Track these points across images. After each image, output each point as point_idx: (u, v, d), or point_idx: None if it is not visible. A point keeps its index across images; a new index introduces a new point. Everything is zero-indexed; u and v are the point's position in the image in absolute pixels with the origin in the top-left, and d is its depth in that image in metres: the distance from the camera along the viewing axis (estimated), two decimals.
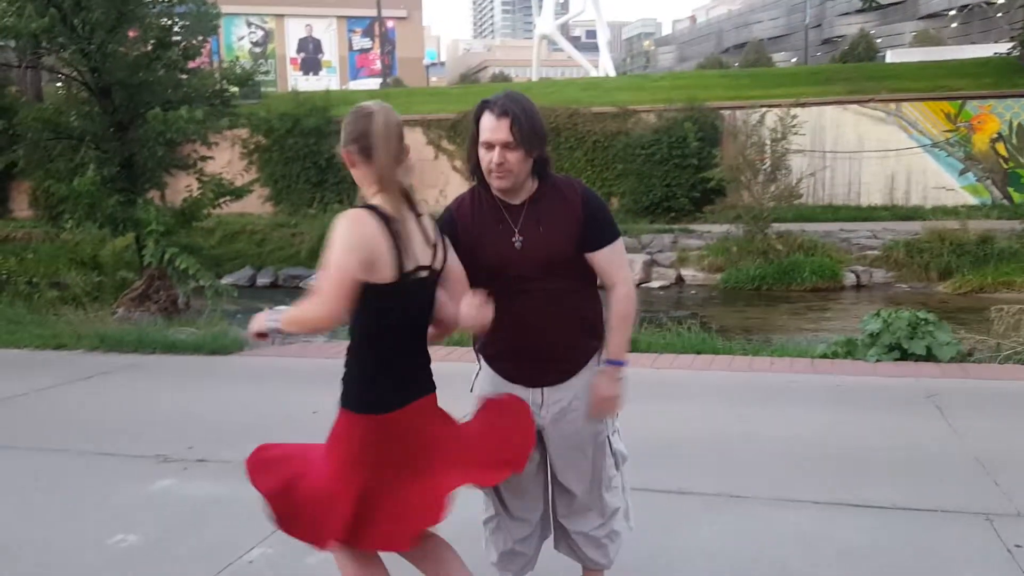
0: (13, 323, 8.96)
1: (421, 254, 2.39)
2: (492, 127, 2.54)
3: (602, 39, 46.32)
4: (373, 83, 44.55)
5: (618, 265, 2.72)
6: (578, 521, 2.87)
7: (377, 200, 2.36)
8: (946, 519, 3.74)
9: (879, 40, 53.21)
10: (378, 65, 53.41)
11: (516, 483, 2.76)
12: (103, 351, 7.77)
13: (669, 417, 5.09)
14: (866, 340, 6.83)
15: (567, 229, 2.62)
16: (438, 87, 46.50)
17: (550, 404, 2.70)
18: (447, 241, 2.53)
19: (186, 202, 11.67)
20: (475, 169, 2.65)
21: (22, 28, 9.86)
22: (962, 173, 19.79)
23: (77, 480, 4.51)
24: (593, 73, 43.93)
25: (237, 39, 57.76)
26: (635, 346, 6.69)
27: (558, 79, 40.21)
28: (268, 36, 60.44)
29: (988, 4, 52.22)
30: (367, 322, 2.36)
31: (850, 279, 15.38)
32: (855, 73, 24.80)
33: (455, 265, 2.55)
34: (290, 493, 2.44)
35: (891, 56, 39.75)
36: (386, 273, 2.29)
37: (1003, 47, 25.97)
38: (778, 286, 15.03)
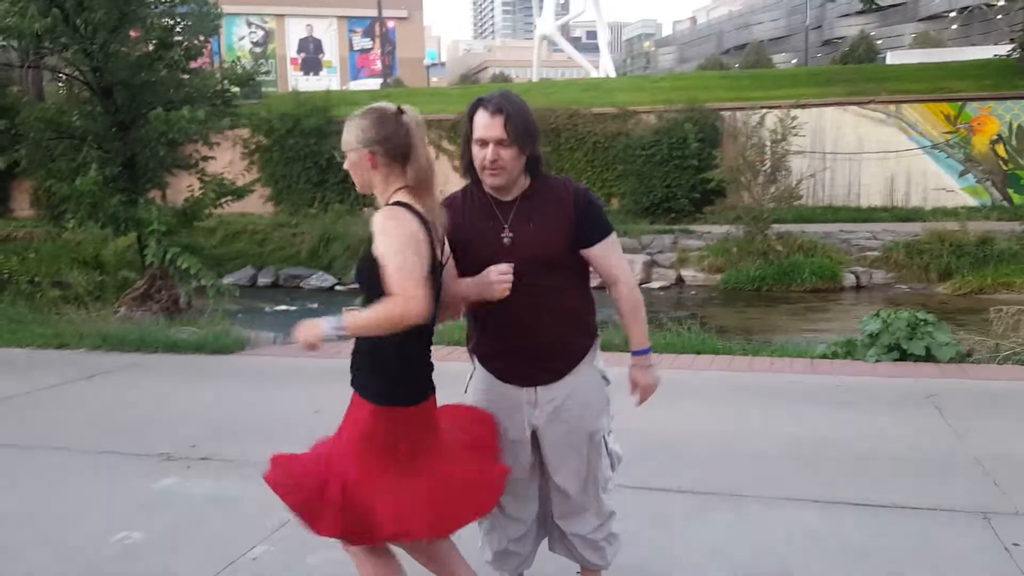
0: (15, 322, 8.98)
1: (439, 248, 2.47)
2: (486, 124, 2.57)
3: (602, 40, 46.33)
4: (374, 83, 44.54)
5: (615, 259, 2.74)
6: (575, 523, 2.86)
7: (404, 198, 2.40)
8: (945, 518, 3.77)
9: (879, 42, 53.23)
10: (379, 65, 53.40)
11: (510, 482, 2.76)
12: (105, 350, 7.80)
13: (669, 416, 5.10)
14: (865, 340, 6.86)
15: (558, 225, 2.63)
16: (438, 87, 46.52)
17: (544, 403, 2.70)
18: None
19: (188, 202, 11.70)
20: (468, 167, 2.68)
21: (25, 28, 9.88)
22: (962, 175, 19.82)
23: (80, 478, 4.54)
24: (593, 74, 43.96)
25: (237, 39, 57.76)
26: None
27: (558, 80, 40.21)
28: (268, 36, 60.44)
29: (988, 6, 52.24)
30: None
31: (850, 280, 15.40)
32: (855, 74, 24.83)
33: (450, 261, 2.63)
34: (324, 498, 2.42)
35: (891, 58, 39.78)
36: (424, 267, 2.34)
37: (1003, 49, 25.95)
38: (778, 287, 15.05)
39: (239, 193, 12.05)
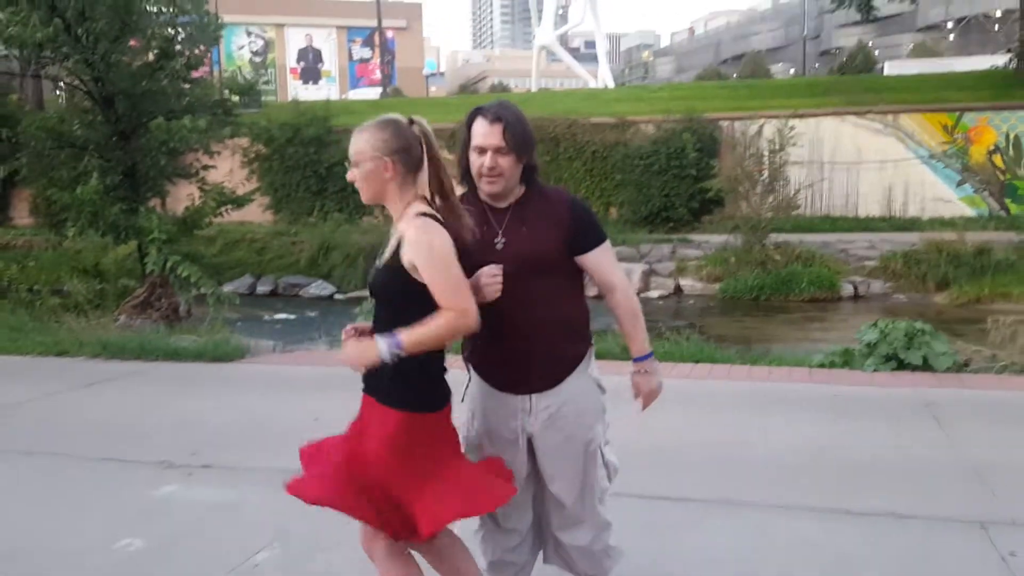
0: (15, 330, 9.00)
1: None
2: (485, 132, 2.62)
3: (601, 50, 46.48)
4: (373, 93, 44.66)
5: (610, 266, 2.77)
6: (572, 534, 2.85)
7: (424, 208, 2.46)
8: (942, 527, 3.79)
9: (877, 52, 53.42)
10: (378, 75, 53.55)
11: None
12: (105, 358, 7.81)
13: (668, 424, 5.13)
14: (863, 350, 6.88)
15: (551, 230, 2.66)
16: (437, 97, 46.65)
17: (539, 411, 2.71)
18: None
19: (188, 210, 11.73)
20: (465, 174, 2.72)
21: (27, 38, 9.94)
22: (959, 184, 19.88)
23: (82, 485, 4.56)
24: (592, 84, 44.11)
25: (237, 48, 57.95)
26: None
27: (557, 90, 40.41)
28: (268, 46, 60.65)
29: (986, 17, 52.53)
30: None
31: (848, 290, 15.43)
32: (853, 85, 24.92)
33: None
34: (371, 503, 2.50)
35: (889, 68, 39.97)
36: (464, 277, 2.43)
37: (1000, 60, 26.14)
38: (776, 296, 15.08)
39: (239, 202, 12.08)
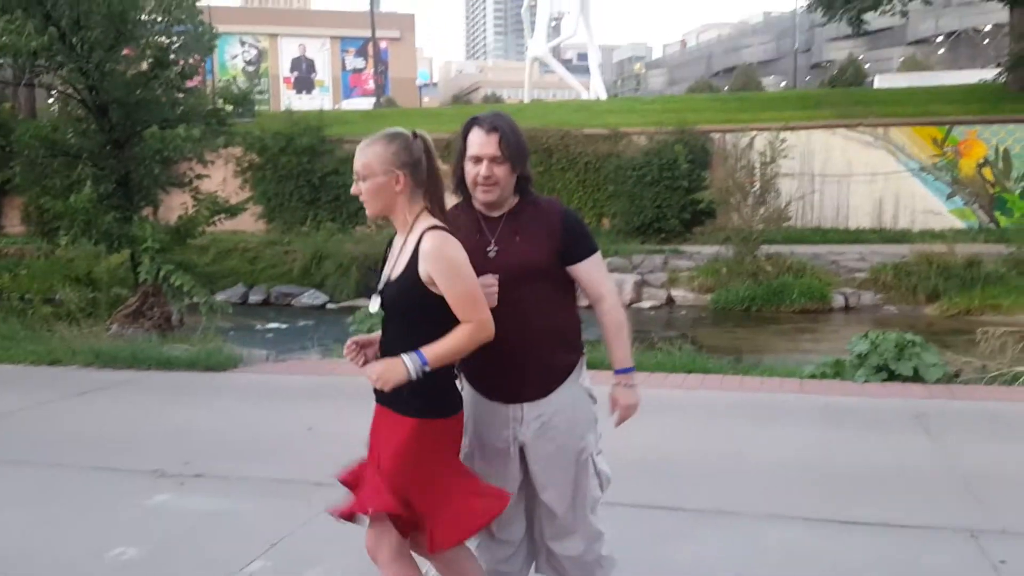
0: (7, 339, 8.96)
1: None
2: (481, 142, 2.66)
3: (593, 62, 46.63)
4: (366, 103, 44.66)
5: (601, 276, 2.80)
6: (564, 544, 2.85)
7: (433, 220, 2.52)
8: (933, 536, 3.82)
9: (867, 65, 53.79)
10: (371, 85, 53.61)
11: None
12: (98, 367, 7.78)
13: (661, 434, 5.16)
14: (854, 361, 6.92)
15: (543, 239, 2.70)
16: (431, 108, 46.72)
17: (530, 420, 2.72)
18: None
19: (181, 219, 11.72)
20: (460, 183, 2.75)
21: (22, 46, 9.94)
22: (949, 197, 20.01)
23: (75, 494, 4.55)
24: (584, 95, 44.20)
25: (230, 58, 57.93)
26: None
27: (550, 101, 40.51)
28: (261, 55, 60.68)
29: (975, 31, 52.94)
30: (446, 330, 2.48)
31: (838, 301, 15.48)
32: (844, 98, 25.08)
33: None
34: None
35: (879, 81, 40.23)
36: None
37: (989, 73, 26.34)
38: (767, 307, 15.11)
39: (232, 211, 12.09)
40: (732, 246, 16.38)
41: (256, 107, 15.76)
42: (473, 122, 2.71)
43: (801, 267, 16.00)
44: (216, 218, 11.80)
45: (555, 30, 53.15)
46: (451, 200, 2.72)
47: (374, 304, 2.60)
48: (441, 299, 2.44)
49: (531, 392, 2.72)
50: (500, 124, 2.67)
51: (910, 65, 50.38)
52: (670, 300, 16.71)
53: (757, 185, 16.49)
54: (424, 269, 2.43)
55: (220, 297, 14.28)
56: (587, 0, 45.25)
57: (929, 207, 19.96)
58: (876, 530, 3.88)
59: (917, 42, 57.99)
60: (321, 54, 61.86)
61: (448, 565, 2.70)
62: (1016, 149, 19.61)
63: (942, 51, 56.32)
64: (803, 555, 3.66)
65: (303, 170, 22.46)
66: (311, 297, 18.09)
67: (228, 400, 6.71)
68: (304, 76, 61.80)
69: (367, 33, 44.30)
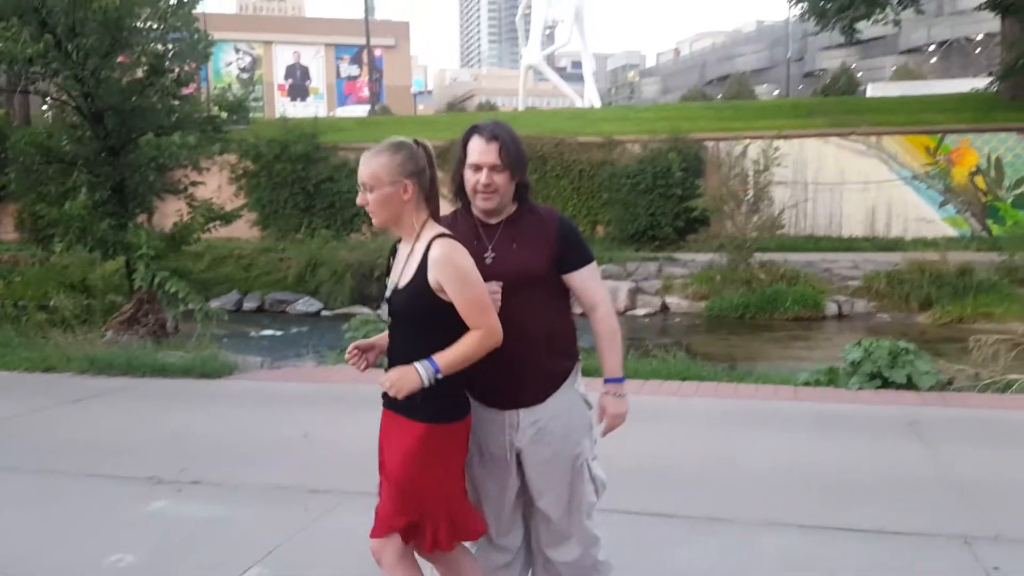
0: (2, 345, 8.93)
1: None
2: (482, 150, 2.69)
3: (587, 70, 46.72)
4: (361, 110, 44.72)
5: (596, 285, 2.83)
6: (560, 549, 2.86)
7: (439, 228, 2.56)
8: (927, 542, 3.85)
9: (860, 74, 53.97)
10: (366, 92, 53.70)
11: (493, 509, 2.82)
12: (93, 374, 7.77)
13: (656, 442, 5.18)
14: (848, 368, 6.96)
15: (540, 247, 2.73)
16: (425, 115, 46.80)
17: (526, 426, 2.74)
18: None
19: (176, 226, 11.71)
20: (459, 190, 2.78)
21: (17, 53, 9.93)
22: (942, 205, 20.09)
23: (72, 501, 4.55)
24: (579, 103, 44.28)
25: (225, 65, 57.97)
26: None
27: (544, 109, 40.57)
28: (256, 62, 60.72)
29: (967, 40, 53.24)
30: (454, 337, 2.52)
31: (832, 309, 15.54)
32: (837, 106, 25.17)
33: None
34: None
35: (872, 90, 40.43)
36: None
37: (981, 82, 26.44)
38: (761, 315, 15.16)
39: (227, 218, 12.07)
40: (726, 254, 16.44)
41: (251, 114, 15.76)
42: (473, 130, 2.74)
43: (794, 275, 16.05)
44: (211, 225, 11.79)
45: (549, 38, 53.31)
46: (445, 208, 2.75)
47: (384, 312, 2.64)
48: (449, 306, 2.47)
49: (527, 398, 2.74)
50: (500, 133, 2.70)
51: (902, 74, 50.64)
52: (664, 307, 16.75)
53: (751, 193, 16.55)
54: (433, 276, 2.46)
55: (215, 304, 14.28)
56: (581, 8, 45.36)
57: (922, 215, 20.04)
58: (870, 537, 3.90)
59: (909, 51, 58.26)
60: (316, 61, 61.95)
61: (449, 566, 2.72)
62: (1008, 158, 19.72)
63: (934, 60, 56.62)
64: (798, 561, 3.68)
65: (297, 177, 22.47)
66: (305, 304, 18.08)
67: (223, 407, 6.71)
68: (299, 83, 61.87)
69: (362, 41, 44.32)
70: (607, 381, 2.84)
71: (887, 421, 5.80)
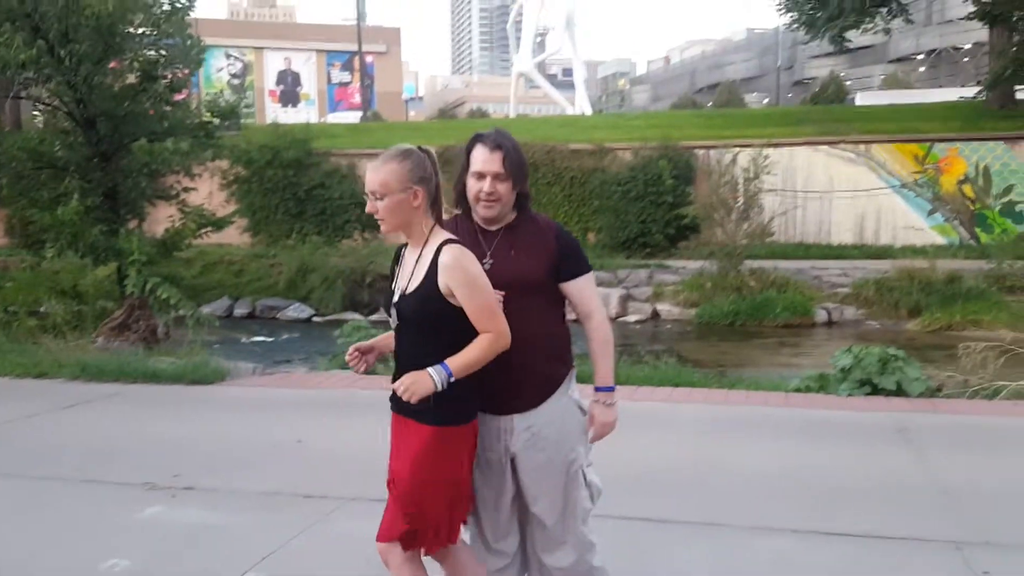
0: None
1: None
2: (485, 159, 2.72)
3: (578, 77, 46.91)
4: (352, 116, 44.73)
5: (591, 295, 2.87)
6: (554, 555, 2.87)
7: (446, 234, 2.60)
8: (918, 547, 3.88)
9: (849, 83, 54.33)
10: (357, 99, 53.69)
11: (490, 514, 2.84)
12: (84, 380, 7.74)
13: (648, 448, 5.21)
14: (838, 375, 6.99)
15: (538, 256, 2.77)
16: (417, 121, 46.83)
17: (520, 431, 2.76)
18: None
19: (168, 232, 11.71)
20: (460, 197, 2.82)
21: (9, 59, 9.93)
22: (930, 213, 20.21)
23: (65, 507, 4.54)
24: (570, 110, 44.43)
25: (216, 70, 57.92)
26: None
27: (535, 116, 40.71)
28: (247, 68, 60.70)
29: (955, 49, 53.59)
30: (462, 341, 2.55)
31: (821, 316, 15.60)
32: (826, 115, 25.30)
33: None
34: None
35: (861, 99, 40.67)
36: None
37: (970, 91, 26.63)
38: (751, 321, 15.21)
39: (219, 224, 12.08)
40: (716, 261, 16.50)
41: (242, 120, 15.76)
42: (477, 139, 2.78)
43: (784, 282, 16.11)
44: (202, 231, 11.78)
45: (540, 46, 53.48)
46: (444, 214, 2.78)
47: (393, 317, 2.66)
48: (458, 310, 2.50)
49: (522, 403, 2.76)
50: (503, 142, 2.74)
51: (891, 83, 50.96)
52: (655, 314, 16.78)
53: (741, 201, 16.63)
54: (443, 281, 2.50)
55: (206, 310, 14.23)
56: (572, 16, 45.56)
57: (910, 223, 20.15)
58: (862, 541, 3.93)
59: (898, 60, 58.65)
60: (307, 67, 61.98)
61: (454, 567, 2.74)
62: (996, 166, 19.85)
63: (923, 69, 57.00)
64: (790, 566, 3.71)
65: (289, 183, 22.41)
66: (297, 310, 18.04)
67: (216, 413, 6.70)
68: (290, 89, 61.88)
69: (353, 47, 44.44)
70: (597, 389, 2.87)
71: (877, 427, 5.84)
